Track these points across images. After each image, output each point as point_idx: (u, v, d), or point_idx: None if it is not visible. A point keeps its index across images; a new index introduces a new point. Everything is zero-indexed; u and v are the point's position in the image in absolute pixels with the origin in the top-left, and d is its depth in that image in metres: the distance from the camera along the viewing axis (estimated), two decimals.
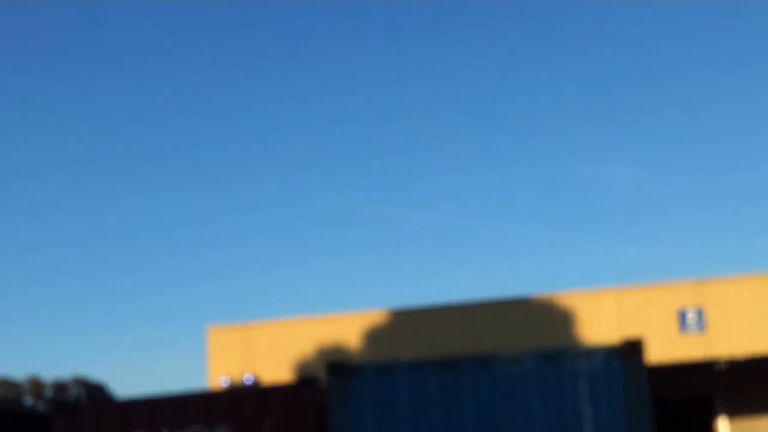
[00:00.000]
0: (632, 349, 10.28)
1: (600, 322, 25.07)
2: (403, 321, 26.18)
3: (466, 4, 52.58)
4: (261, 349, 26.62)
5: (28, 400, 26.55)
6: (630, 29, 53.93)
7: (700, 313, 25.00)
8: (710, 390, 29.34)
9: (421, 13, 55.90)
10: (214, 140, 60.42)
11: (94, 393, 25.34)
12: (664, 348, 24.54)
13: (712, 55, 54.23)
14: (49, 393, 26.03)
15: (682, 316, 25.06)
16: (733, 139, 56.30)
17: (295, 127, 58.67)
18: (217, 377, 25.81)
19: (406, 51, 55.34)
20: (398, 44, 57.12)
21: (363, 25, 58.59)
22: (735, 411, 29.70)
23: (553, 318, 25.58)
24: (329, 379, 11.02)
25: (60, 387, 26.46)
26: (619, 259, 62.12)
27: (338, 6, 53.62)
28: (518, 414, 10.50)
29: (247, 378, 24.66)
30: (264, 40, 59.23)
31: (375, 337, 26.04)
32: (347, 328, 26.28)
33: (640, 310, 25.25)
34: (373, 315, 26.39)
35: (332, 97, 57.57)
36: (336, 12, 55.34)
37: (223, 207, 62.83)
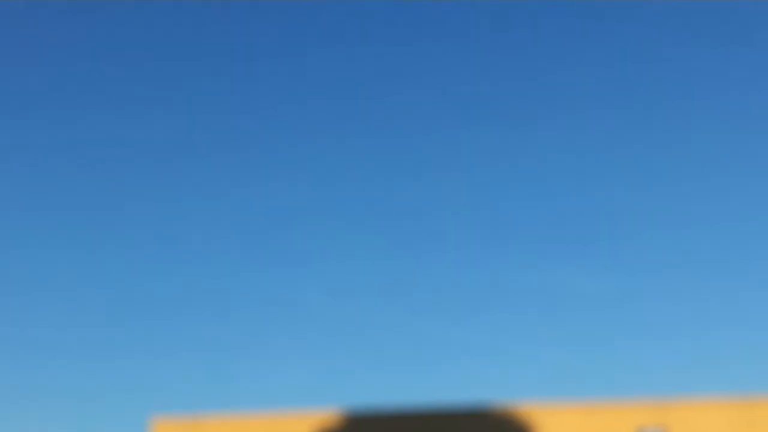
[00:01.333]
0: None
1: None
2: (356, 424, 25.62)
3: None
4: None
5: None
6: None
7: None
8: None
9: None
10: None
11: None
12: None
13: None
14: None
15: None
16: (711, 257, 56.47)
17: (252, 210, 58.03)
18: None
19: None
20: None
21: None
22: None
23: (509, 429, 25.12)
24: None
25: None
26: (582, 370, 61.59)
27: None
28: None
29: None
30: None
31: None
32: (299, 427, 25.64)
33: (600, 426, 24.85)
34: (326, 415, 25.77)
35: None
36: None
37: (181, 290, 61.88)
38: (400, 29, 53.78)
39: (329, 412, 25.88)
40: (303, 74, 54.12)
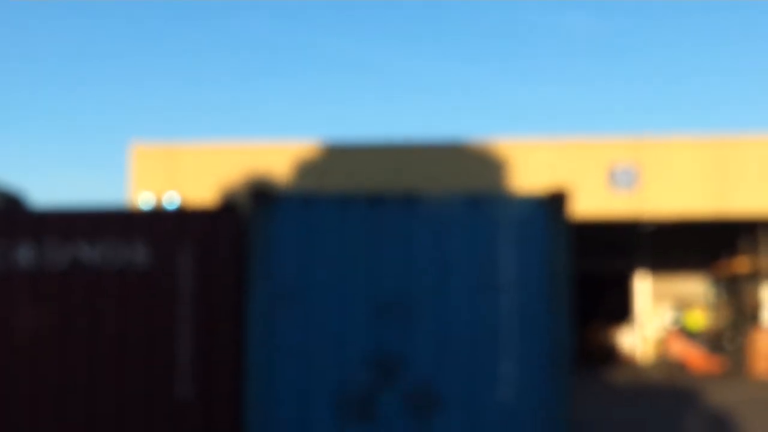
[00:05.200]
0: (556, 199, 9.96)
1: (532, 171, 24.96)
2: (333, 155, 25.81)
3: None
4: (186, 170, 26.10)
5: None
6: None
7: (631, 170, 24.99)
8: (635, 248, 29.74)
9: None
10: None
11: (11, 202, 24.68)
12: (594, 202, 24.57)
13: None
14: None
15: (612, 172, 25.06)
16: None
17: None
18: (139, 194, 25.28)
19: None
20: None
21: None
22: (657, 268, 30.32)
23: (485, 164, 25.41)
24: (252, 206, 10.49)
25: None
26: (561, 109, 62.04)
27: None
28: (439, 257, 10.21)
29: (170, 197, 24.15)
30: None
31: (303, 168, 25.66)
32: (276, 156, 25.85)
33: (573, 162, 25.20)
34: (302, 146, 25.94)
35: None
36: None
37: (169, 22, 60.99)
38: None
39: (307, 143, 26.02)
40: None
